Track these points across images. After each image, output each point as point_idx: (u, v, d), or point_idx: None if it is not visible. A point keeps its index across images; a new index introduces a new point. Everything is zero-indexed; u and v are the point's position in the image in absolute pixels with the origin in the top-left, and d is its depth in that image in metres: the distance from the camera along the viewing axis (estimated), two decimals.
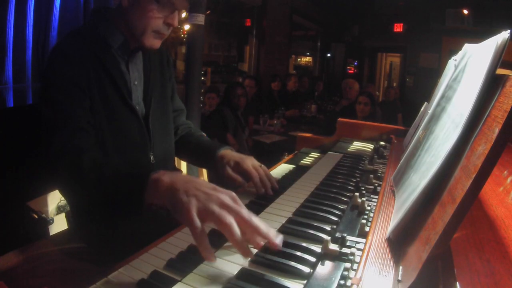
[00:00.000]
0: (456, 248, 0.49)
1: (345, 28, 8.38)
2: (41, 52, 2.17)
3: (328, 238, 0.62)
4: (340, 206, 0.80)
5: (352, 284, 0.51)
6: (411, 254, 0.54)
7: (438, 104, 0.89)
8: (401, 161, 0.97)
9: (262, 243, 0.58)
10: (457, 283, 0.42)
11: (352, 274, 0.55)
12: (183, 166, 2.08)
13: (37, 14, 2.10)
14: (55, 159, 0.83)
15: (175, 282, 0.53)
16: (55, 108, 0.88)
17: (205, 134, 1.29)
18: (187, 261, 0.59)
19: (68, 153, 0.83)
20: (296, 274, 0.55)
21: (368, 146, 1.46)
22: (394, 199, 0.82)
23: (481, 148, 0.46)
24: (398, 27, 7.67)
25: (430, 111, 0.95)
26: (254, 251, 0.60)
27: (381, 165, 1.18)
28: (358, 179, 1.01)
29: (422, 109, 1.41)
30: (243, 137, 3.39)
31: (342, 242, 0.63)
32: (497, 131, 0.44)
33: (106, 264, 0.59)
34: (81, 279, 0.53)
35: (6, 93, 2.06)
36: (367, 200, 0.83)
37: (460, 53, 0.88)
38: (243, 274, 0.55)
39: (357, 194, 0.84)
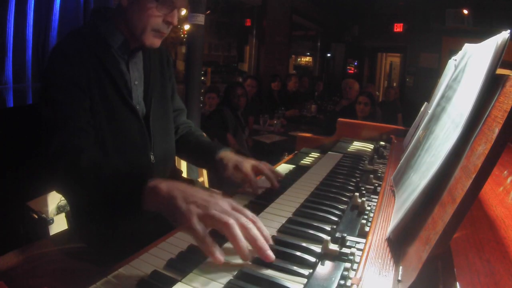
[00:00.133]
0: (456, 248, 0.49)
1: (345, 28, 8.38)
2: (41, 52, 2.17)
3: (328, 238, 0.62)
4: (340, 206, 0.80)
5: (352, 284, 0.51)
6: (411, 254, 0.54)
7: (438, 104, 0.89)
8: (401, 161, 0.97)
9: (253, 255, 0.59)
10: (457, 283, 0.42)
11: (352, 274, 0.55)
12: (183, 166, 2.08)
13: (37, 14, 2.10)
14: (55, 159, 0.83)
15: (175, 282, 0.53)
16: (54, 108, 0.88)
17: (205, 134, 1.29)
18: (187, 261, 0.59)
19: (67, 153, 0.83)
20: (296, 274, 0.55)
21: (368, 146, 1.46)
22: (394, 199, 0.82)
23: (481, 148, 0.46)
24: (398, 27, 7.67)
25: (430, 111, 0.95)
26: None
27: (381, 165, 1.18)
28: (358, 179, 1.01)
29: (422, 109, 1.41)
30: (243, 137, 3.39)
31: (342, 242, 0.63)
32: (497, 131, 0.44)
33: (106, 264, 0.59)
34: (81, 279, 0.53)
35: (6, 93, 2.06)
36: (367, 200, 0.83)
37: (460, 53, 0.88)
38: (243, 274, 0.55)
39: (357, 194, 0.84)
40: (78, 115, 0.89)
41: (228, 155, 1.06)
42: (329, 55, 8.50)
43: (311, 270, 0.55)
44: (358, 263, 0.57)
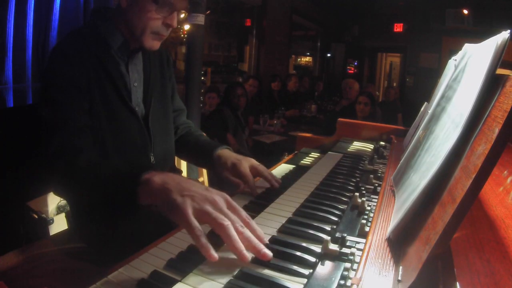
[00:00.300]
0: (456, 248, 0.49)
1: (345, 28, 8.38)
2: (41, 52, 2.17)
3: (328, 238, 0.62)
4: (340, 206, 0.80)
5: (352, 284, 0.51)
6: (411, 254, 0.54)
7: (438, 104, 0.89)
8: (401, 161, 0.97)
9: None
10: (457, 283, 0.42)
11: (352, 274, 0.55)
12: (183, 166, 2.08)
13: (37, 14, 2.10)
14: (53, 159, 0.83)
15: (175, 282, 0.53)
16: (54, 108, 0.88)
17: (204, 134, 1.29)
18: (187, 261, 0.59)
19: (66, 153, 0.83)
20: (296, 274, 0.55)
21: (368, 146, 1.46)
22: (394, 199, 0.82)
23: (481, 148, 0.46)
24: (398, 27, 7.68)
25: (430, 111, 0.95)
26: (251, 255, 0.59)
27: (381, 165, 1.18)
28: (358, 179, 1.01)
29: (422, 109, 1.41)
30: (243, 137, 3.40)
31: (342, 242, 0.63)
32: (497, 131, 0.44)
33: (106, 264, 0.59)
34: (81, 279, 0.53)
35: (6, 93, 2.06)
36: (367, 200, 0.83)
37: (460, 53, 0.88)
38: (243, 274, 0.55)
39: (357, 194, 0.84)
40: (77, 116, 0.89)
41: (226, 153, 1.06)
42: (329, 55, 8.50)
43: (311, 270, 0.55)
44: (358, 263, 0.57)
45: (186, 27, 3.40)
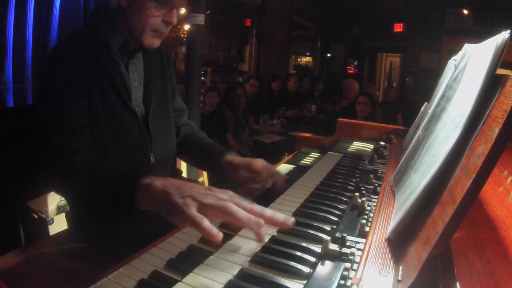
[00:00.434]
0: (456, 248, 0.49)
1: (345, 28, 8.38)
2: (41, 52, 2.17)
3: (328, 238, 0.62)
4: (340, 206, 0.80)
5: (352, 284, 0.51)
6: (411, 254, 0.54)
7: (438, 104, 0.89)
8: (401, 161, 0.97)
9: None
10: (457, 283, 0.42)
11: (352, 274, 0.55)
12: (183, 166, 2.08)
13: (37, 14, 2.10)
14: (51, 159, 0.83)
15: (175, 282, 0.53)
16: (52, 108, 0.88)
17: (206, 136, 1.29)
18: (187, 261, 0.59)
19: (63, 153, 0.83)
20: (296, 274, 0.55)
21: (368, 146, 1.46)
22: (394, 199, 0.82)
23: (481, 148, 0.46)
24: (398, 27, 7.68)
25: (430, 111, 0.95)
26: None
27: (381, 165, 1.18)
28: (358, 179, 1.01)
29: (422, 109, 1.41)
30: (243, 137, 3.40)
31: (342, 242, 0.63)
32: (497, 131, 0.44)
33: (106, 264, 0.59)
34: (81, 279, 0.53)
35: (6, 93, 2.06)
36: (367, 200, 0.83)
37: (460, 53, 0.88)
38: (243, 274, 0.55)
39: (357, 194, 0.84)
40: (76, 116, 0.89)
41: (237, 158, 1.04)
42: (329, 55, 8.50)
43: (311, 270, 0.55)
44: (358, 263, 0.57)
45: (186, 27, 3.40)
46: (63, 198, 1.64)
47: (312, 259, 0.58)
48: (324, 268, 0.57)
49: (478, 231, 0.54)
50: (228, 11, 6.19)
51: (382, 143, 1.48)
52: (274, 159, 1.45)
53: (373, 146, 1.45)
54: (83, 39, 0.96)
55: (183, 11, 1.05)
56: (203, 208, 0.59)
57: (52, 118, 0.87)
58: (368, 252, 0.60)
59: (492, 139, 0.44)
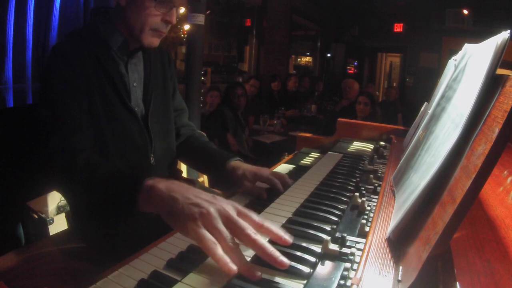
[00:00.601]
0: (456, 248, 0.49)
1: (345, 28, 8.38)
2: (41, 52, 2.17)
3: (328, 238, 0.62)
4: (340, 206, 0.80)
5: (352, 284, 0.51)
6: (411, 254, 0.54)
7: (438, 104, 0.89)
8: (401, 161, 0.97)
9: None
10: (457, 283, 0.42)
11: (352, 274, 0.55)
12: (183, 165, 2.07)
13: (37, 14, 2.10)
14: (52, 159, 0.83)
15: (175, 282, 0.53)
16: (52, 108, 0.88)
17: (207, 138, 1.28)
18: (187, 261, 0.59)
19: (64, 153, 0.83)
20: (296, 274, 0.55)
21: (368, 146, 1.46)
22: (394, 199, 0.82)
23: (481, 148, 0.46)
24: (398, 27, 7.67)
25: (430, 111, 0.95)
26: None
27: (381, 165, 1.18)
28: (358, 179, 1.01)
29: (422, 109, 1.41)
30: (243, 137, 3.40)
31: (342, 242, 0.63)
32: (497, 131, 0.44)
33: (106, 264, 0.59)
34: (81, 279, 0.53)
35: (6, 93, 2.06)
36: (367, 200, 0.83)
37: (460, 53, 0.88)
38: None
39: (357, 194, 0.84)
40: (76, 116, 0.89)
41: (242, 165, 1.04)
42: (329, 55, 8.50)
43: (311, 270, 0.55)
44: (358, 263, 0.57)
45: (186, 27, 3.40)
46: (63, 198, 1.64)
47: (312, 259, 0.58)
48: (324, 268, 0.57)
49: (478, 231, 0.54)
50: (228, 11, 6.19)
51: (382, 143, 1.48)
52: (274, 159, 1.45)
53: (373, 146, 1.45)
54: (83, 39, 0.96)
55: (182, 10, 1.05)
56: (209, 225, 0.57)
57: (52, 117, 0.87)
58: (368, 252, 0.60)
59: (492, 139, 0.44)
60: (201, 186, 1.54)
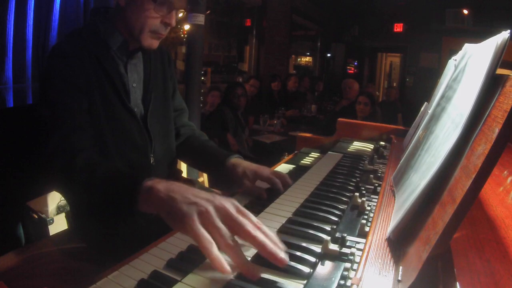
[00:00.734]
0: (456, 248, 0.49)
1: (345, 28, 8.38)
2: (41, 52, 2.17)
3: (328, 238, 0.62)
4: (340, 206, 0.80)
5: (352, 284, 0.51)
6: (411, 254, 0.54)
7: (438, 104, 0.89)
8: (401, 161, 0.97)
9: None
10: (457, 283, 0.42)
11: (352, 274, 0.55)
12: (183, 166, 2.07)
13: (37, 14, 2.10)
14: (51, 159, 0.83)
15: (175, 282, 0.53)
16: (52, 108, 0.88)
17: (207, 137, 1.28)
18: (187, 261, 0.59)
19: (63, 153, 0.83)
20: (296, 274, 0.55)
21: (368, 146, 1.46)
22: (394, 199, 0.82)
23: (481, 148, 0.46)
24: (398, 27, 7.68)
25: (430, 111, 0.95)
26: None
27: (381, 165, 1.18)
28: (358, 179, 1.01)
29: (422, 109, 1.41)
30: (243, 137, 3.40)
31: (342, 242, 0.63)
32: (497, 131, 0.44)
33: (106, 264, 0.59)
34: (81, 279, 0.53)
35: (6, 93, 2.06)
36: (367, 200, 0.83)
37: (460, 53, 0.88)
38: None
39: (357, 194, 0.84)
40: (75, 116, 0.88)
41: (243, 163, 1.03)
42: (329, 55, 8.50)
43: (311, 270, 0.55)
44: (358, 263, 0.57)
45: (186, 27, 3.40)
46: (63, 198, 1.64)
47: (312, 259, 0.58)
48: (324, 268, 0.57)
49: (478, 231, 0.54)
50: (228, 11, 6.19)
51: (382, 143, 1.48)
52: (274, 159, 1.45)
53: (373, 146, 1.45)
54: (83, 39, 0.96)
55: (181, 14, 1.05)
56: (208, 223, 0.57)
57: (52, 117, 0.87)
58: (368, 252, 0.60)
59: (492, 139, 0.44)
60: (201, 186, 1.54)
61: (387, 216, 0.76)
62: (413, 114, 1.54)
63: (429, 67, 6.98)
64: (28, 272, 0.94)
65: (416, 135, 0.98)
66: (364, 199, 0.81)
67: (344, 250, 0.60)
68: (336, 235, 0.65)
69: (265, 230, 0.58)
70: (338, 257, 0.59)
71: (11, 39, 2.00)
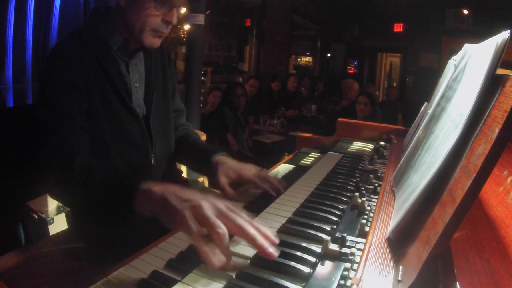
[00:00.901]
0: (456, 248, 0.49)
1: (345, 28, 8.38)
2: (41, 52, 2.17)
3: (328, 238, 0.62)
4: (340, 206, 0.80)
5: (352, 284, 0.51)
6: (411, 254, 0.54)
7: (438, 104, 0.89)
8: (401, 161, 0.97)
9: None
10: (457, 283, 0.42)
11: (352, 274, 0.55)
12: (183, 166, 2.07)
13: (37, 14, 2.10)
14: (50, 160, 0.83)
15: (175, 282, 0.53)
16: (51, 109, 0.88)
17: (201, 136, 1.28)
18: (187, 261, 0.59)
19: (61, 154, 0.83)
20: (296, 274, 0.55)
21: (368, 146, 1.46)
22: (394, 199, 0.82)
23: (481, 148, 0.46)
24: (398, 27, 7.68)
25: (430, 111, 0.95)
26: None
27: (381, 165, 1.18)
28: (358, 179, 1.01)
29: (422, 109, 1.41)
30: (243, 137, 3.40)
31: (342, 242, 0.63)
32: (497, 131, 0.44)
33: (106, 264, 0.59)
34: (81, 279, 0.53)
35: (6, 93, 2.06)
36: (367, 200, 0.83)
37: (460, 53, 0.88)
38: (243, 274, 0.55)
39: (357, 194, 0.84)
40: (74, 117, 0.88)
41: (227, 160, 1.02)
42: (329, 55, 8.50)
43: (311, 270, 0.55)
44: (358, 263, 0.57)
45: (186, 27, 3.40)
46: None
47: (312, 259, 0.58)
48: (324, 268, 0.57)
49: (478, 231, 0.54)
50: (228, 11, 6.19)
51: (382, 143, 1.48)
52: (274, 159, 1.45)
53: (373, 146, 1.45)
54: (83, 39, 0.96)
55: (183, 10, 1.05)
56: (199, 217, 0.58)
57: (51, 118, 0.87)
58: (368, 252, 0.60)
59: (492, 139, 0.44)
60: (201, 187, 1.54)
61: (387, 216, 0.76)
62: (413, 114, 1.54)
63: (429, 67, 6.98)
64: (28, 272, 0.94)
65: (416, 135, 0.98)
66: (364, 199, 0.81)
67: (344, 250, 0.60)
68: (336, 235, 0.65)
69: (256, 225, 0.60)
70: (338, 257, 0.59)
71: (11, 39, 1.99)
